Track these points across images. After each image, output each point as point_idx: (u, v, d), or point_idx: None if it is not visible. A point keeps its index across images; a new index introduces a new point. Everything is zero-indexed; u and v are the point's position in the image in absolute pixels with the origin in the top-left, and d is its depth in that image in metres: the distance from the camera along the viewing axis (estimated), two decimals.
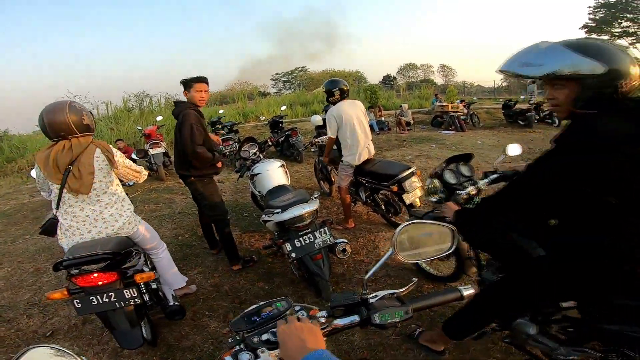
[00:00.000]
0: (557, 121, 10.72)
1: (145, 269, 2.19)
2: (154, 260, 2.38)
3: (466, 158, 2.20)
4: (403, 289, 0.88)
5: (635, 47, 24.49)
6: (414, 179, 3.16)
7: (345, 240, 2.42)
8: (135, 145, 8.75)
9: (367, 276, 0.89)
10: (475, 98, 16.65)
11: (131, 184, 2.58)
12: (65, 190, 1.93)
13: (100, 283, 1.82)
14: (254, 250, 3.40)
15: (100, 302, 1.82)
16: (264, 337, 0.74)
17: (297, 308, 0.85)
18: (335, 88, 3.42)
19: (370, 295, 0.83)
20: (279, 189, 2.91)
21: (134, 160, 3.18)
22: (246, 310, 0.81)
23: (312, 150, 4.47)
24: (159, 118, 9.26)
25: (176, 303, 2.19)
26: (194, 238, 3.80)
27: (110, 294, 1.82)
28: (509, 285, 1.37)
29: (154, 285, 2.11)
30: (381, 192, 3.49)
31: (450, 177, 2.09)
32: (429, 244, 0.99)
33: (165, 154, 6.74)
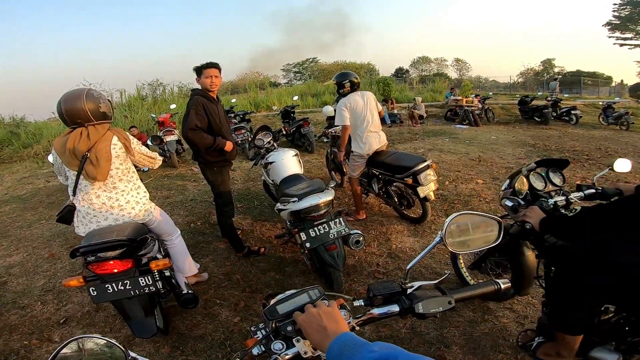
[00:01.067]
0: (574, 119, 10.56)
1: (159, 256, 2.21)
2: (168, 247, 2.39)
3: (560, 164, 1.91)
4: (440, 279, 0.86)
5: None
6: (430, 172, 3.11)
7: (360, 232, 2.39)
8: (149, 133, 8.82)
9: (411, 265, 0.88)
10: (490, 93, 16.28)
11: (146, 169, 2.58)
12: (82, 177, 1.94)
13: (115, 270, 1.82)
14: (265, 240, 3.41)
15: (116, 290, 1.81)
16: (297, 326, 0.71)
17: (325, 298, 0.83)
18: (346, 80, 3.41)
19: (409, 285, 0.82)
20: (294, 178, 2.89)
21: (148, 147, 3.20)
22: (278, 298, 0.80)
23: (325, 140, 4.42)
24: (173, 106, 9.35)
25: (189, 291, 2.18)
26: (206, 226, 3.82)
27: (125, 282, 1.82)
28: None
29: (167, 273, 2.12)
30: (394, 184, 3.45)
31: (537, 182, 1.81)
32: (476, 235, 0.98)
33: (178, 142, 6.83)
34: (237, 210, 4.11)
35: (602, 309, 1.38)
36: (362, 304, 0.80)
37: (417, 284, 0.83)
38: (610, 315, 1.39)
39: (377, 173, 3.49)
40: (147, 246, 2.04)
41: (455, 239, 0.94)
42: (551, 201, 1.67)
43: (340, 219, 2.35)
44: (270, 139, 3.44)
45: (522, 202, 1.75)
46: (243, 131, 6.77)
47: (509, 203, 1.80)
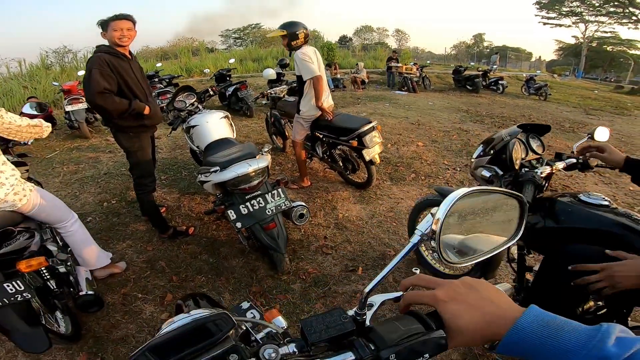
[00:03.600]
0: (501, 88, 11.40)
1: (52, 247, 1.77)
2: (64, 236, 1.92)
3: (541, 130, 1.66)
4: (402, 292, 0.54)
5: (577, 27, 26.43)
6: (375, 133, 2.92)
7: (303, 204, 2.08)
8: (55, 103, 7.59)
9: (369, 288, 0.51)
10: (428, 62, 16.78)
11: (29, 142, 1.99)
12: None
13: None
14: (195, 217, 2.97)
15: None
16: None
17: (245, 307, 0.64)
18: (299, 30, 2.86)
19: (365, 317, 0.52)
20: (221, 143, 2.45)
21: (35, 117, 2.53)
22: (156, 337, 0.50)
23: (264, 103, 3.98)
24: (81, 72, 8.13)
25: (89, 292, 1.77)
26: (122, 204, 3.23)
27: None
28: None
29: (61, 269, 1.70)
30: (339, 147, 3.22)
31: (517, 149, 1.54)
32: (483, 229, 0.59)
33: (89, 110, 5.96)
34: (161, 183, 3.58)
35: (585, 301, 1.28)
36: (296, 350, 0.49)
37: (378, 298, 0.55)
38: (593, 307, 1.30)
39: (321, 136, 3.20)
40: (13, 241, 1.53)
41: (451, 237, 0.55)
42: (538, 172, 1.41)
43: (279, 190, 2.00)
44: (193, 100, 2.89)
45: (501, 172, 1.50)
46: (168, 96, 6.04)
47: (486, 173, 1.52)
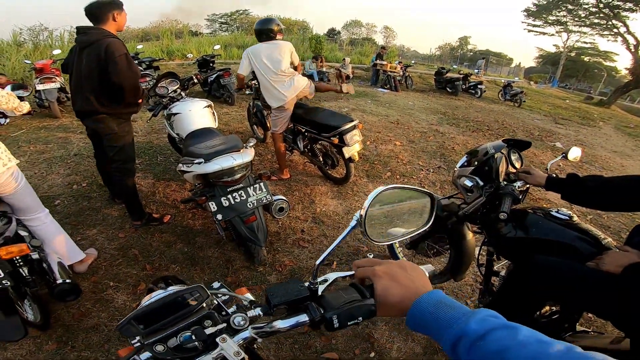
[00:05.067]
0: (479, 92, 11.75)
1: (24, 233, 1.73)
2: (36, 229, 1.86)
3: (520, 145, 1.72)
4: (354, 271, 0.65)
5: (560, 36, 27.46)
6: (356, 132, 2.99)
7: (283, 197, 2.11)
8: (24, 81, 7.25)
9: (321, 260, 0.63)
10: (412, 61, 17.01)
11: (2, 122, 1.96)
12: None
13: None
14: (170, 204, 2.95)
15: None
16: (171, 342, 0.54)
17: (216, 286, 0.69)
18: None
19: (319, 280, 0.63)
20: (203, 133, 2.44)
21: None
22: (140, 308, 0.58)
23: (247, 92, 3.95)
24: (57, 52, 7.80)
25: (66, 280, 1.73)
26: (93, 187, 3.14)
27: None
28: None
29: (34, 256, 1.66)
30: (320, 142, 3.27)
31: (501, 163, 1.58)
32: (402, 218, 0.75)
33: (62, 89, 5.74)
34: (135, 167, 3.49)
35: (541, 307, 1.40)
36: (261, 313, 0.60)
37: (332, 276, 0.66)
38: (548, 312, 1.43)
39: (303, 130, 3.24)
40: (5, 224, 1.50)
41: (377, 223, 0.70)
42: (518, 184, 1.53)
43: (262, 184, 2.01)
44: (176, 87, 2.84)
45: (481, 183, 1.56)
46: (148, 79, 5.88)
47: (468, 183, 1.59)
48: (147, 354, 0.55)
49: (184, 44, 14.92)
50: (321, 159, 3.40)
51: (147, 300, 0.63)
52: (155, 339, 0.54)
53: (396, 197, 0.72)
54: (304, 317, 0.56)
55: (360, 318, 0.54)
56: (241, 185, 1.96)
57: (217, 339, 0.54)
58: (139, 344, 0.57)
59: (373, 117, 6.58)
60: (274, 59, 3.07)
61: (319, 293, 0.61)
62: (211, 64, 7.63)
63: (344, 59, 11.59)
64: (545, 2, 25.50)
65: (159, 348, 0.54)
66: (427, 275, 0.62)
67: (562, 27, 26.20)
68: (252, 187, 1.96)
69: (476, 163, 1.64)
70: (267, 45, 3.10)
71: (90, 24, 2.15)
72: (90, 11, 2.12)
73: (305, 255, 2.44)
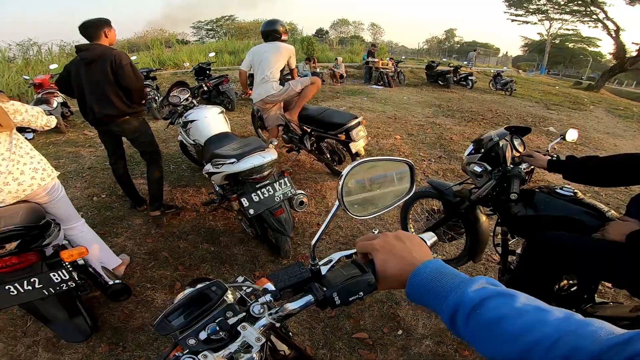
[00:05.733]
0: (470, 84, 11.96)
1: (64, 241, 1.85)
2: (75, 237, 1.97)
3: (521, 132, 1.87)
4: (353, 251, 0.70)
5: (542, 24, 27.86)
6: (361, 127, 3.15)
7: (303, 192, 2.25)
8: (21, 98, 7.28)
9: (314, 241, 0.66)
10: (403, 57, 17.23)
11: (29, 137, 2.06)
12: None
13: (16, 267, 1.45)
14: (189, 208, 3.07)
15: (22, 291, 1.46)
16: (202, 335, 0.58)
17: (240, 280, 0.71)
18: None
19: (322, 263, 0.66)
20: (222, 137, 2.57)
21: None
22: (169, 307, 0.65)
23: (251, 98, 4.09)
24: (54, 66, 7.80)
25: (117, 280, 1.84)
26: (113, 198, 3.26)
27: (33, 280, 1.47)
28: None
29: (80, 262, 1.75)
30: (326, 140, 3.42)
31: (507, 149, 1.73)
32: (383, 190, 0.75)
33: (64, 104, 5.79)
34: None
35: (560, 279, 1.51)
36: (271, 298, 0.63)
37: (335, 256, 0.69)
38: (567, 285, 1.55)
39: (310, 130, 3.38)
40: (51, 233, 1.61)
41: (356, 204, 0.70)
42: (522, 168, 1.65)
43: (285, 179, 2.16)
44: (187, 95, 2.98)
45: (490, 168, 1.71)
46: (148, 89, 5.97)
47: (478, 169, 1.75)
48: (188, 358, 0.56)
49: (174, 53, 14.97)
50: (328, 156, 3.54)
51: (178, 298, 0.70)
52: (186, 333, 0.59)
53: (373, 171, 0.73)
54: (309, 298, 0.58)
55: (362, 293, 0.56)
56: (268, 181, 2.11)
57: (239, 328, 0.57)
58: (176, 340, 0.61)
59: (371, 113, 6.73)
60: (268, 60, 3.29)
61: (323, 273, 0.64)
62: (207, 72, 7.75)
63: (336, 58, 11.78)
64: None
65: (191, 342, 0.58)
66: (429, 243, 0.64)
67: (543, 15, 26.58)
68: (277, 183, 2.11)
69: (483, 150, 1.78)
70: (269, 45, 3.31)
71: (86, 42, 2.42)
72: (84, 30, 2.39)
73: (324, 246, 2.57)
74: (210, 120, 2.75)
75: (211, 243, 2.58)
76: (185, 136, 2.94)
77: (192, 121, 2.78)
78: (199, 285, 0.67)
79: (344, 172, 0.63)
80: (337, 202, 0.64)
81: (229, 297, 0.65)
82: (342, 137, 3.08)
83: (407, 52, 30.17)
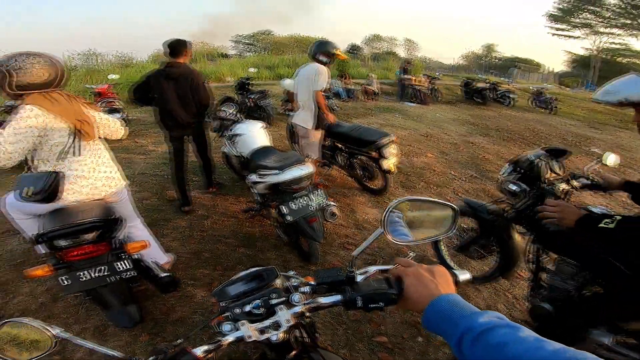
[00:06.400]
0: (509, 101, 11.60)
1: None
2: (131, 235, 2.19)
3: (559, 153, 1.92)
4: (387, 267, 0.78)
5: (588, 38, 26.68)
6: (393, 145, 3.27)
7: (335, 204, 2.43)
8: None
9: (355, 253, 0.77)
10: (438, 74, 17.11)
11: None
12: (75, 140, 1.86)
13: (92, 255, 1.66)
14: (230, 214, 3.31)
15: (91, 277, 1.65)
16: (247, 308, 0.72)
17: (290, 274, 0.83)
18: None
19: (359, 272, 0.76)
20: (265, 151, 2.81)
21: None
22: (230, 279, 0.81)
23: (287, 113, 4.34)
24: (114, 76, 8.53)
25: (167, 274, 2.00)
26: (161, 201, 3.58)
27: (100, 268, 1.66)
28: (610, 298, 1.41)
29: (135, 256, 1.93)
30: (358, 157, 3.55)
31: (543, 169, 1.80)
32: (424, 225, 0.84)
33: (114, 112, 6.39)
34: (194, 184, 3.92)
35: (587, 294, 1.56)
36: (309, 289, 0.76)
37: (371, 269, 0.79)
38: (591, 295, 1.57)
39: (342, 146, 3.55)
40: (120, 227, 1.86)
41: (398, 231, 0.79)
42: (558, 188, 1.73)
43: (320, 190, 2.36)
44: (233, 110, 3.29)
45: (527, 188, 1.79)
46: None
47: (514, 187, 1.84)
48: (228, 325, 0.68)
49: (217, 67, 15.83)
50: (359, 172, 3.67)
51: (236, 276, 0.84)
52: (235, 304, 0.73)
53: (418, 206, 0.83)
54: (338, 297, 0.70)
55: (382, 303, 0.66)
56: (305, 192, 2.32)
57: (277, 308, 0.69)
58: (225, 307, 0.75)
59: (403, 131, 6.79)
60: (299, 83, 3.44)
61: (357, 281, 0.74)
62: (247, 86, 8.14)
63: (369, 75, 11.94)
64: (566, 6, 24.93)
65: (237, 311, 0.71)
66: (461, 279, 0.72)
67: (589, 29, 25.38)
68: (313, 193, 2.32)
69: (520, 170, 1.86)
70: (303, 68, 3.44)
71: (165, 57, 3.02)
72: (173, 48, 2.93)
73: (351, 257, 2.68)
74: (255, 135, 3.02)
75: (247, 247, 2.79)
76: (231, 148, 3.22)
77: (238, 135, 3.06)
78: (256, 268, 0.82)
79: (391, 204, 0.75)
80: (380, 228, 0.75)
81: (277, 282, 0.78)
82: (374, 154, 3.21)
83: (443, 68, 29.86)
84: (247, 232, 3.00)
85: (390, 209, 0.75)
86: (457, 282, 0.70)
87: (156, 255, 2.33)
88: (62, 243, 1.62)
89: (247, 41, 44.53)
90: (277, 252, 2.70)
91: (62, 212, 1.75)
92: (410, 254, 0.82)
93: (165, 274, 2.02)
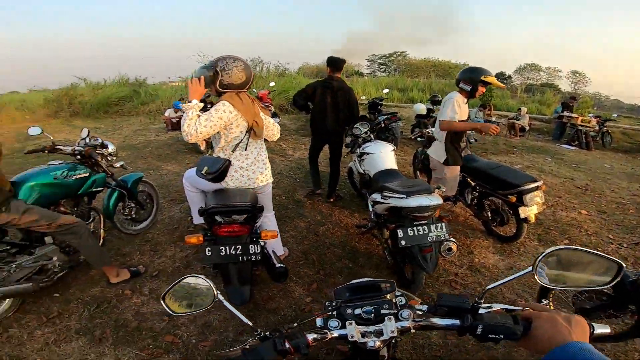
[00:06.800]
0: None
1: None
2: (263, 225, 2.45)
3: None
4: (523, 308, 0.74)
5: None
6: (538, 193, 2.84)
7: (454, 240, 2.27)
8: None
9: (491, 286, 0.77)
10: (614, 114, 13.85)
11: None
12: (247, 135, 2.21)
13: (238, 234, 1.90)
14: (342, 226, 3.46)
15: (228, 253, 1.87)
16: (357, 311, 0.76)
17: (397, 293, 0.84)
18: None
19: (483, 305, 0.74)
20: (390, 173, 2.85)
21: None
22: (353, 282, 0.87)
23: (419, 139, 4.27)
24: (272, 84, 9.87)
25: (282, 265, 2.11)
26: (290, 201, 4.02)
27: (238, 247, 1.88)
28: None
29: (262, 243, 2.09)
30: (491, 198, 3.19)
31: None
32: (579, 273, 0.78)
33: (275, 116, 7.29)
34: (323, 190, 4.20)
35: None
36: (426, 309, 0.78)
37: (496, 306, 0.77)
38: None
39: (474, 184, 3.25)
40: (260, 215, 2.15)
41: (551, 271, 0.76)
42: None
43: (443, 224, 2.24)
44: (367, 129, 3.45)
45: None
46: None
47: None
48: (335, 322, 0.75)
49: (352, 84, 16.78)
50: (489, 215, 3.29)
51: (355, 281, 0.90)
52: (349, 305, 0.78)
53: (574, 254, 0.77)
54: (456, 321, 0.71)
55: (502, 336, 0.65)
56: (426, 221, 2.23)
57: (385, 318, 0.73)
58: (334, 305, 0.80)
59: (553, 178, 5.73)
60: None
61: (480, 312, 0.73)
62: (379, 106, 8.29)
63: (520, 108, 10.55)
64: None
65: (348, 311, 0.76)
66: (597, 332, 0.67)
67: None
68: (434, 225, 2.21)
69: None
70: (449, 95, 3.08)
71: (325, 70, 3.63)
72: (334, 63, 3.50)
73: (482, 289, 2.42)
74: (384, 156, 3.07)
75: (351, 260, 2.86)
76: (358, 165, 3.36)
77: (368, 153, 3.18)
78: (371, 279, 0.89)
79: (549, 249, 0.74)
80: (529, 268, 0.75)
81: (389, 296, 0.82)
82: (513, 199, 2.84)
83: (622, 108, 23.93)
84: (354, 246, 3.09)
85: (546, 254, 0.74)
86: (592, 333, 0.66)
87: (276, 246, 2.61)
88: (219, 219, 1.95)
89: (381, 61, 45.21)
90: (377, 273, 2.70)
91: (223, 193, 2.14)
92: (544, 302, 0.83)
93: (280, 265, 2.18)
